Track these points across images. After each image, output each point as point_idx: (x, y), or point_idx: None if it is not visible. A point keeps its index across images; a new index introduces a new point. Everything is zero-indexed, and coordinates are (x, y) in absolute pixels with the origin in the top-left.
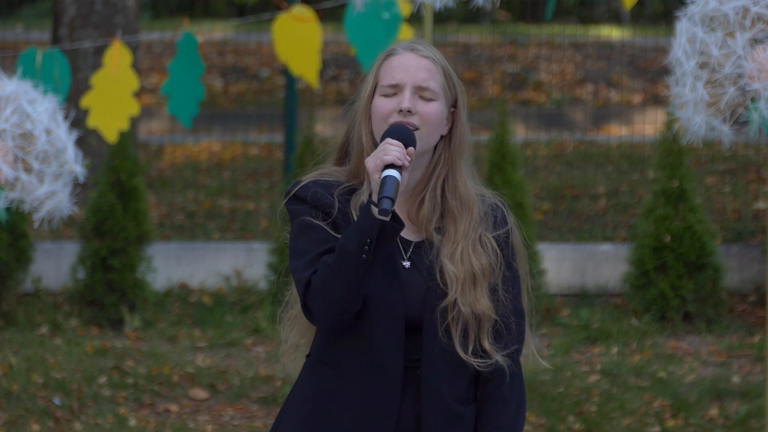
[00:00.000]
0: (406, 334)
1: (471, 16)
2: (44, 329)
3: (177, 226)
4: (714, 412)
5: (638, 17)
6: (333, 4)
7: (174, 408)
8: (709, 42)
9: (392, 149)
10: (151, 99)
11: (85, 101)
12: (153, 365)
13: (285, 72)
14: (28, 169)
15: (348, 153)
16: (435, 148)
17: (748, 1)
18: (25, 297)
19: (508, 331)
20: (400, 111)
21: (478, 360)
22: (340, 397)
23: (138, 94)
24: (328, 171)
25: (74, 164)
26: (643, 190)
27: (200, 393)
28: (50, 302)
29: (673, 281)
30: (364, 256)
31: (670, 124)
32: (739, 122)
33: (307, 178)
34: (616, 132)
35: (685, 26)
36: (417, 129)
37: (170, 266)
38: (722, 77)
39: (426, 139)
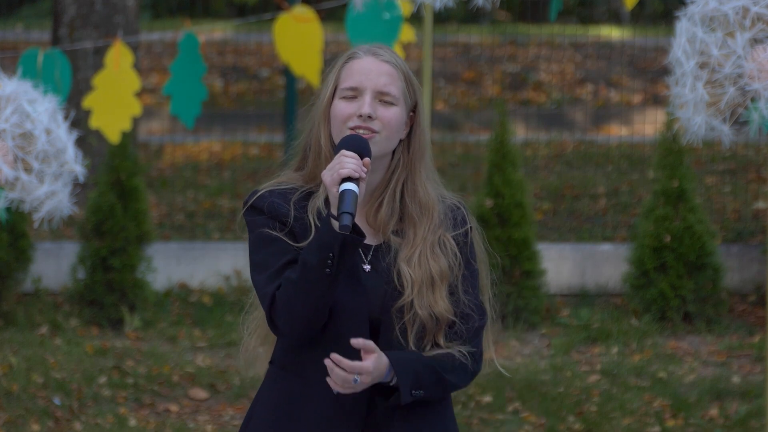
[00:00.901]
0: (370, 337)
1: (471, 16)
2: (44, 329)
3: (177, 226)
4: (714, 412)
5: (638, 17)
6: (334, 4)
7: (174, 408)
8: (709, 42)
9: (348, 162)
10: (151, 99)
11: (87, 102)
12: (153, 365)
13: (285, 72)
14: (28, 169)
15: (307, 156)
16: (394, 152)
17: (748, 1)
18: (25, 297)
19: (467, 329)
20: (360, 116)
21: (434, 353)
22: (306, 404)
23: (138, 94)
24: (284, 179)
25: (74, 164)
26: (643, 190)
27: (200, 393)
28: (50, 302)
29: (673, 281)
30: (327, 270)
31: (670, 124)
32: (739, 122)
33: (264, 187)
34: (616, 132)
35: (685, 26)
36: (377, 133)
37: (170, 266)
38: (722, 77)
39: (385, 143)
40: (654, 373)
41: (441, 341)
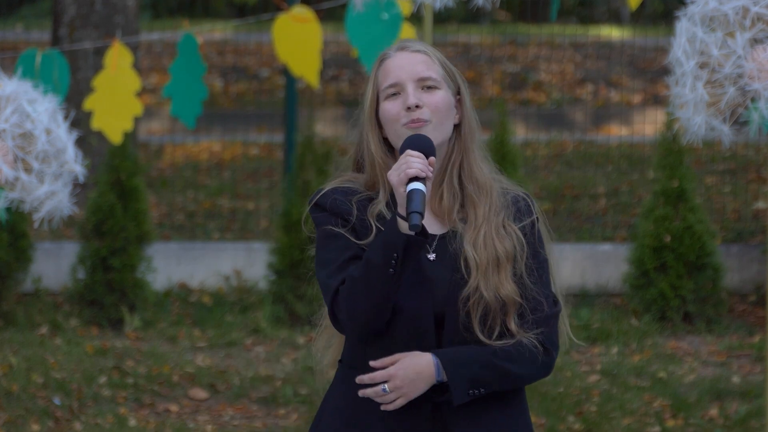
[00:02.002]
0: (435, 330)
1: (471, 16)
2: (44, 329)
3: (177, 226)
4: (714, 412)
5: (638, 17)
6: (333, 4)
7: (174, 408)
8: (709, 42)
9: (414, 162)
10: (151, 99)
11: (88, 104)
12: (153, 365)
13: (285, 72)
14: (28, 169)
15: (361, 165)
16: (449, 139)
17: (748, 1)
18: (25, 297)
19: (537, 318)
20: (408, 108)
21: (501, 343)
22: (374, 402)
23: (138, 94)
24: (349, 177)
25: (74, 164)
26: (643, 190)
27: (200, 393)
28: (50, 302)
29: (673, 281)
30: (391, 270)
31: (670, 124)
32: (739, 122)
33: (328, 185)
34: (616, 132)
35: (685, 26)
36: (428, 121)
37: (170, 266)
38: (722, 77)
39: (440, 129)
40: (654, 373)
41: (512, 327)
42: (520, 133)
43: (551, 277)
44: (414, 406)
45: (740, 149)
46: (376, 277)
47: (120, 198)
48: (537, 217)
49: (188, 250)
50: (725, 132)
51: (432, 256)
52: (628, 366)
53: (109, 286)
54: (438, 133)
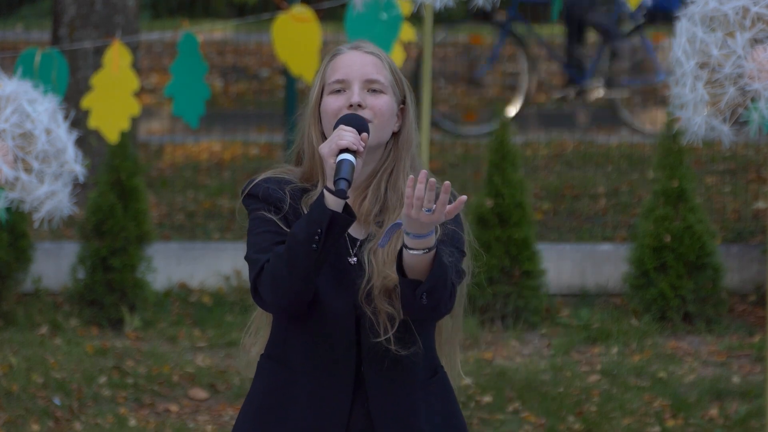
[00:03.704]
0: (356, 329)
1: (471, 16)
2: (44, 329)
3: (177, 226)
4: (714, 412)
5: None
6: (333, 4)
7: (174, 408)
8: (709, 42)
9: (346, 134)
10: (151, 99)
11: (86, 102)
12: (153, 365)
13: (285, 72)
14: (28, 169)
15: (302, 158)
16: (385, 145)
17: (748, 1)
18: (25, 297)
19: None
20: (350, 106)
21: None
22: (291, 393)
23: (138, 94)
24: (282, 169)
25: (74, 164)
26: (643, 190)
27: (200, 393)
28: (50, 302)
29: (673, 281)
30: (314, 245)
31: (670, 124)
32: (739, 122)
33: (261, 175)
34: (616, 132)
35: (685, 26)
36: (369, 122)
37: (170, 266)
38: (722, 77)
39: (378, 132)
40: (654, 373)
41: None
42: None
43: (462, 260)
44: (331, 399)
45: (740, 149)
46: (300, 252)
47: (120, 198)
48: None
49: (188, 250)
50: (725, 132)
51: (353, 260)
52: (628, 366)
53: (109, 286)
54: (376, 135)
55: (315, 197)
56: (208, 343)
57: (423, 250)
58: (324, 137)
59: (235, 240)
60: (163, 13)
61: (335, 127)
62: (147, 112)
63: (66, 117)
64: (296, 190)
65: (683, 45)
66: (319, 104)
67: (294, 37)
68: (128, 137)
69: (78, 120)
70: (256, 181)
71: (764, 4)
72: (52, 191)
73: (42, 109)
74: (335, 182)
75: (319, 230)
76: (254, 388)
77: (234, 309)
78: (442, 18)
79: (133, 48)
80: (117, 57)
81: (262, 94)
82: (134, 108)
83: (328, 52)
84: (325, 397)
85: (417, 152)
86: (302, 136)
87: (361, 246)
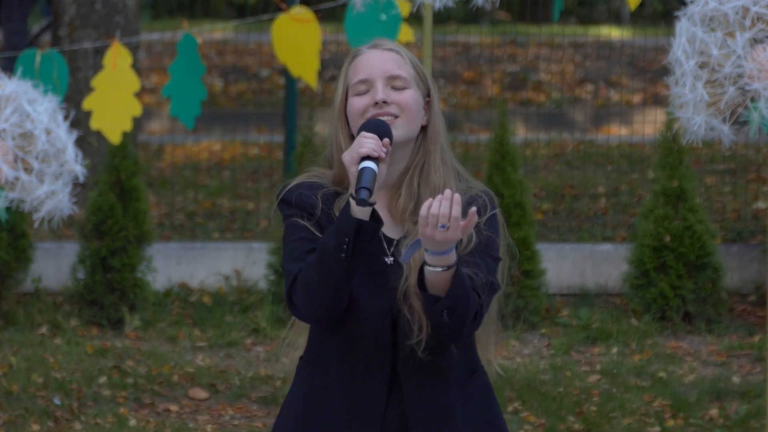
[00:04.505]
0: (391, 330)
1: (471, 16)
2: (44, 329)
3: (177, 226)
4: (714, 412)
5: (638, 17)
6: (333, 4)
7: (174, 408)
8: (709, 42)
9: (367, 142)
10: (151, 99)
11: (87, 104)
12: (153, 365)
13: (285, 72)
14: (28, 169)
15: (332, 162)
16: (415, 140)
17: (748, 1)
18: (25, 297)
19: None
20: (376, 104)
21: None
22: (327, 397)
23: (138, 94)
24: (315, 173)
25: (74, 164)
26: (643, 190)
27: (200, 393)
28: (50, 302)
29: (673, 281)
30: (342, 255)
31: (670, 124)
32: (739, 122)
33: (295, 180)
34: (616, 132)
35: (684, 26)
36: (397, 117)
37: (170, 266)
38: (722, 77)
39: (407, 127)
40: (654, 373)
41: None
42: (520, 133)
43: (498, 267)
44: (366, 405)
45: (740, 149)
46: (330, 262)
47: (120, 198)
48: (494, 215)
49: (188, 250)
50: (725, 132)
51: (390, 260)
52: (628, 366)
53: (109, 286)
54: (406, 130)
55: (345, 202)
56: (208, 343)
57: (442, 267)
58: (352, 139)
59: (235, 240)
60: (163, 13)
61: (357, 133)
62: (147, 112)
63: (66, 117)
64: (328, 194)
65: (683, 45)
66: (345, 107)
67: (294, 37)
68: (128, 137)
69: (78, 120)
70: (290, 186)
71: (764, 4)
72: (52, 191)
73: (42, 109)
74: (356, 191)
75: (347, 239)
76: (293, 392)
77: (234, 309)
78: (442, 18)
79: (133, 48)
80: (117, 57)
81: (262, 94)
82: (136, 108)
83: (342, 51)
84: (360, 396)
85: (447, 144)
86: (331, 139)
87: (397, 245)
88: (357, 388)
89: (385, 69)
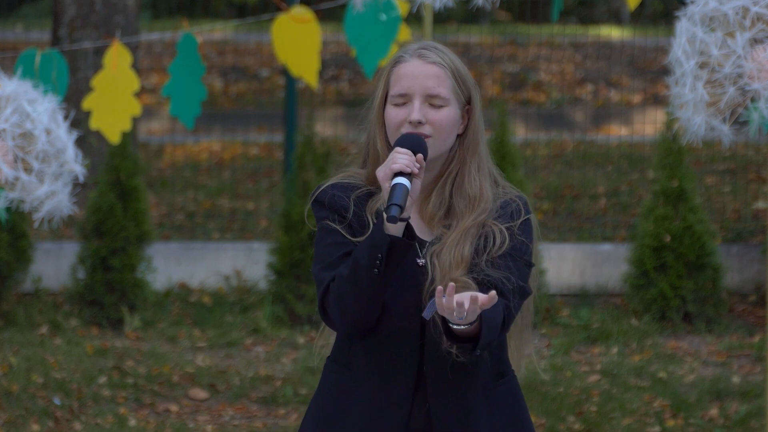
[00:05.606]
0: (420, 331)
1: (471, 16)
2: (44, 329)
3: (177, 226)
4: (714, 412)
5: (638, 17)
6: (332, 4)
7: (174, 408)
8: (709, 42)
9: (401, 158)
10: (151, 99)
11: (87, 103)
12: (153, 365)
13: (285, 72)
14: (28, 169)
15: (367, 161)
16: (450, 148)
17: (748, 1)
18: (25, 297)
19: (500, 293)
20: (410, 122)
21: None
22: (353, 398)
23: (138, 94)
24: (350, 173)
25: (74, 164)
26: (643, 190)
27: (200, 393)
28: (50, 302)
29: (673, 281)
30: (375, 270)
31: (670, 124)
32: (739, 122)
33: (329, 180)
34: (616, 132)
35: (685, 26)
36: (429, 137)
37: (170, 266)
38: (722, 77)
39: (440, 144)
40: (654, 373)
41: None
42: (520, 133)
43: (530, 272)
44: (392, 406)
45: (740, 149)
46: (363, 276)
47: (120, 198)
48: (526, 220)
49: (188, 250)
50: (725, 132)
51: (421, 261)
52: (628, 366)
53: (109, 286)
54: (437, 149)
55: (378, 203)
56: (208, 343)
57: (467, 325)
58: (388, 143)
59: (234, 240)
60: (163, 13)
61: (392, 148)
62: (147, 112)
63: (66, 117)
64: (362, 196)
65: (683, 45)
66: (383, 109)
67: (294, 37)
68: (128, 137)
69: (78, 120)
70: (324, 186)
71: (764, 4)
72: (52, 191)
73: (42, 109)
74: (387, 208)
75: (380, 255)
76: (320, 391)
77: (234, 309)
78: (442, 18)
79: (133, 48)
80: (116, 57)
81: (262, 94)
82: (135, 108)
83: (393, 55)
84: (386, 396)
85: (486, 152)
86: (368, 138)
87: (430, 247)
88: (384, 387)
89: (425, 87)
